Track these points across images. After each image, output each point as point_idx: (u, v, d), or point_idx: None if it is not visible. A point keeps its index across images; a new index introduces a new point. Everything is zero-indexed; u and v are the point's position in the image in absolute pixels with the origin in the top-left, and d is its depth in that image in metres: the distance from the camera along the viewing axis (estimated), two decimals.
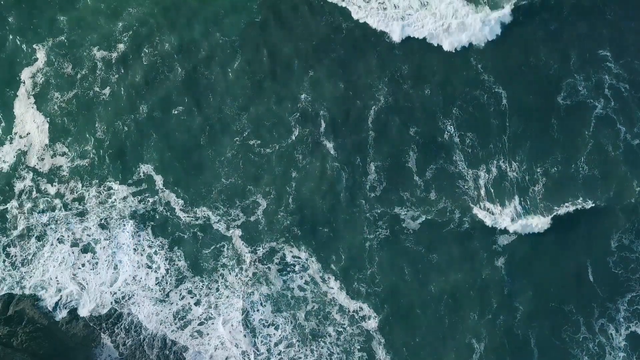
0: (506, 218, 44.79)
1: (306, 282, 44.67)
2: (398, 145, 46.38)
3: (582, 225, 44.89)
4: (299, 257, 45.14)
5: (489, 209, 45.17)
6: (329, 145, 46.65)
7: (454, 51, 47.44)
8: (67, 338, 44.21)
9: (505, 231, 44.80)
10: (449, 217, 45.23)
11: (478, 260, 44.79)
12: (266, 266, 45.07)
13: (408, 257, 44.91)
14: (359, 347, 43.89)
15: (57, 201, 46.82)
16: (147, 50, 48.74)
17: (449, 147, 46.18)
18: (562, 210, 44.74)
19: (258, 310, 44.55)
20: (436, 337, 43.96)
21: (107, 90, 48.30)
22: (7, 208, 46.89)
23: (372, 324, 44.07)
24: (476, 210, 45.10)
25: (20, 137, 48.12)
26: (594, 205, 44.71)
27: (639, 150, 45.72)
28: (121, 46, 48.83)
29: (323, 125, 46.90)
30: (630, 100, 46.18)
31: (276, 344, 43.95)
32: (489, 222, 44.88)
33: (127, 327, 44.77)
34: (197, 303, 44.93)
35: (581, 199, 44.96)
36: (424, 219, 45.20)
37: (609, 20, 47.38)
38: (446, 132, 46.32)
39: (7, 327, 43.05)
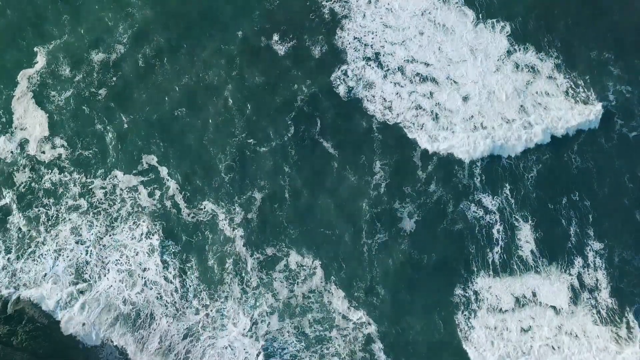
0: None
1: (309, 289, 44.78)
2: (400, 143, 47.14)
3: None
4: (303, 265, 45.26)
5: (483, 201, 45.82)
6: (326, 143, 47.13)
7: None
8: (67, 337, 44.05)
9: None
10: (443, 211, 45.75)
11: (476, 260, 45.28)
12: (269, 275, 45.19)
13: (407, 258, 45.25)
14: (360, 348, 44.05)
15: (59, 193, 46.73)
16: (147, 51, 49.09)
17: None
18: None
19: (264, 317, 44.59)
20: (433, 339, 44.24)
21: (103, 91, 48.54)
22: (7, 202, 46.83)
23: (372, 328, 44.23)
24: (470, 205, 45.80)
25: (22, 129, 48.03)
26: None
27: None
28: (120, 47, 49.15)
29: (319, 123, 47.45)
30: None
31: (282, 347, 44.07)
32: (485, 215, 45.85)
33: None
34: (204, 310, 44.92)
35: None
36: (420, 218, 45.57)
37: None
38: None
39: (7, 326, 42.87)
